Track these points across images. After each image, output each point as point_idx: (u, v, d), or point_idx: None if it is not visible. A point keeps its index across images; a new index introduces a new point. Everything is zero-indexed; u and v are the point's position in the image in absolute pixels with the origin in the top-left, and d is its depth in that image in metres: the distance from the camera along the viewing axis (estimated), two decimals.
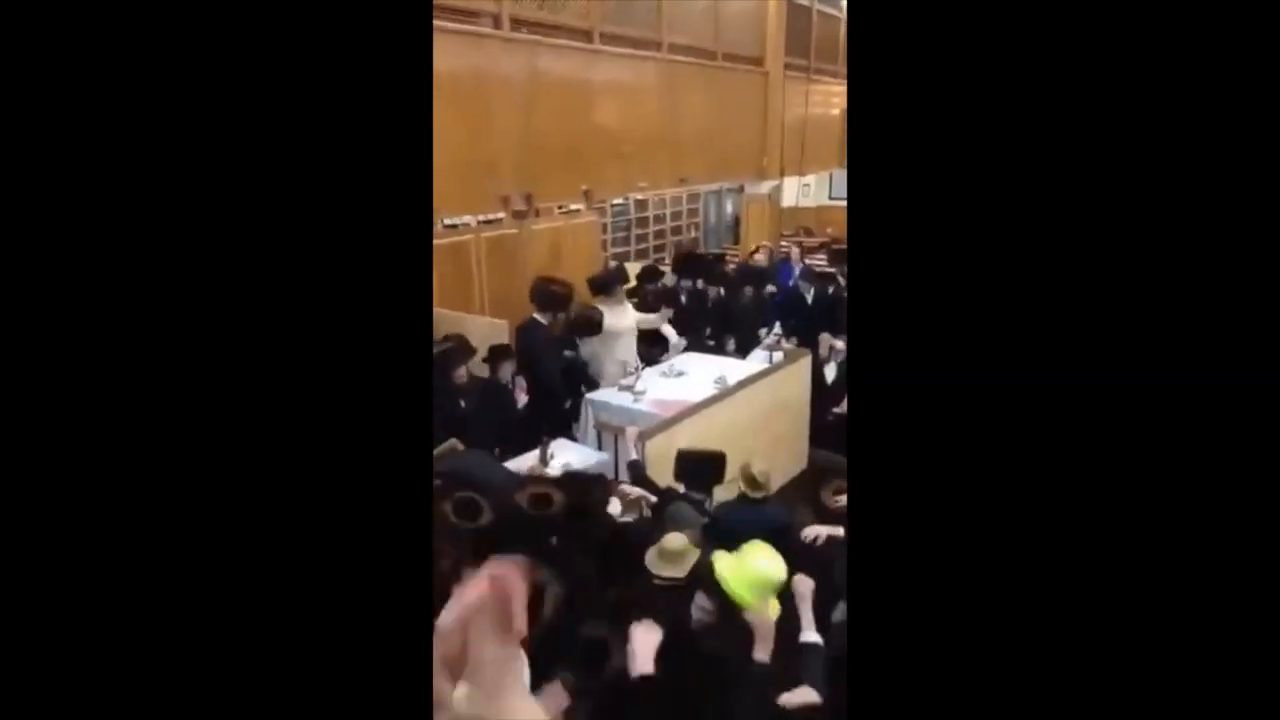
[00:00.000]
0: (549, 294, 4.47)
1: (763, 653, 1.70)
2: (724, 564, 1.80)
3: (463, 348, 3.87)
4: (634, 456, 3.25)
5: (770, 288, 6.23)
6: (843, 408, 4.69)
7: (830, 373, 4.93)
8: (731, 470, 3.02)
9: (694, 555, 2.11)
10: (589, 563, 2.21)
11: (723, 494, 3.06)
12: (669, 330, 4.91)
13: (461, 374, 3.76)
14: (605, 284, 4.78)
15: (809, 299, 5.80)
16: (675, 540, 2.15)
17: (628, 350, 4.77)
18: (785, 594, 1.85)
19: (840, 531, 2.38)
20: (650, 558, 2.16)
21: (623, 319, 4.76)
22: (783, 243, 8.21)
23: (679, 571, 2.09)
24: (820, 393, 4.86)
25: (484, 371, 3.99)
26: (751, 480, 2.97)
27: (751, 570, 1.77)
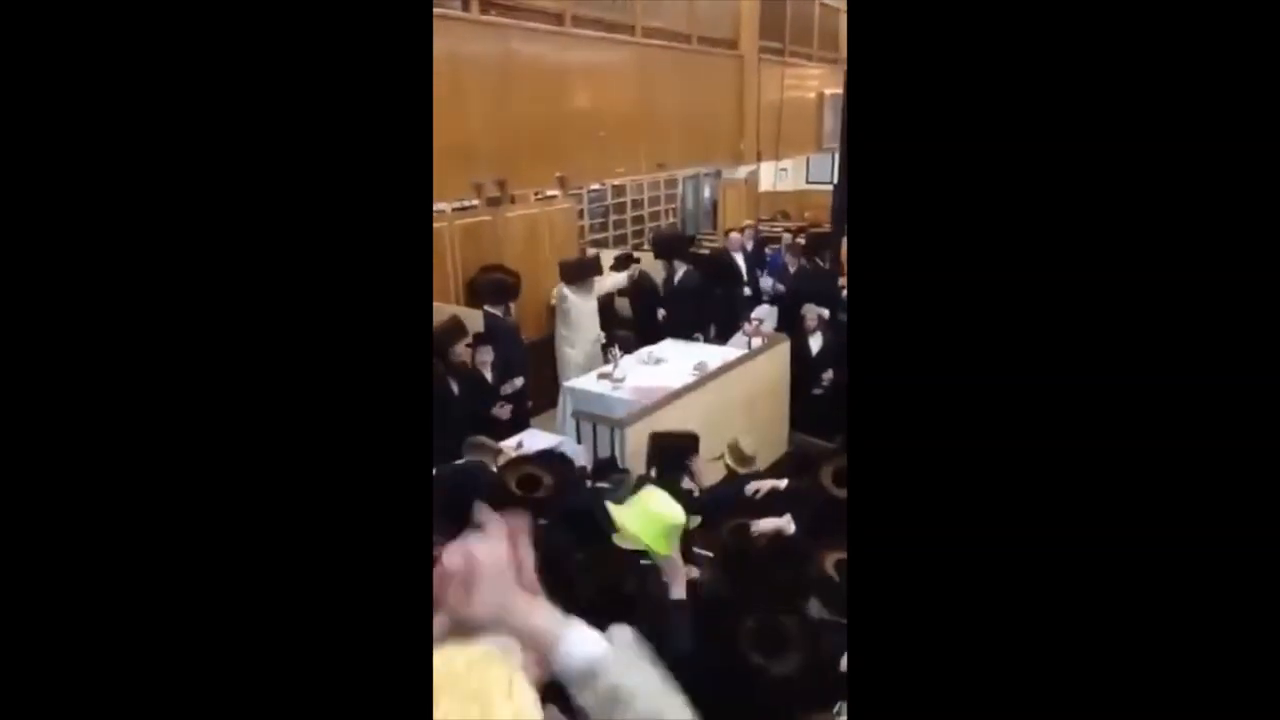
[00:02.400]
0: (499, 284, 4.47)
1: (679, 590, 1.75)
2: (623, 514, 1.78)
3: (457, 326, 3.86)
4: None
5: (747, 290, 6.21)
6: (825, 383, 4.71)
7: (815, 344, 4.92)
8: (719, 448, 3.04)
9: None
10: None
11: (710, 470, 3.06)
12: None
13: (459, 351, 3.75)
14: (580, 272, 4.84)
15: (791, 272, 5.87)
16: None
17: (591, 330, 4.86)
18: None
19: (782, 483, 2.49)
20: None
21: (588, 303, 4.86)
22: (761, 227, 8.20)
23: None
24: (803, 367, 4.86)
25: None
26: (740, 456, 3.01)
27: (652, 514, 1.76)
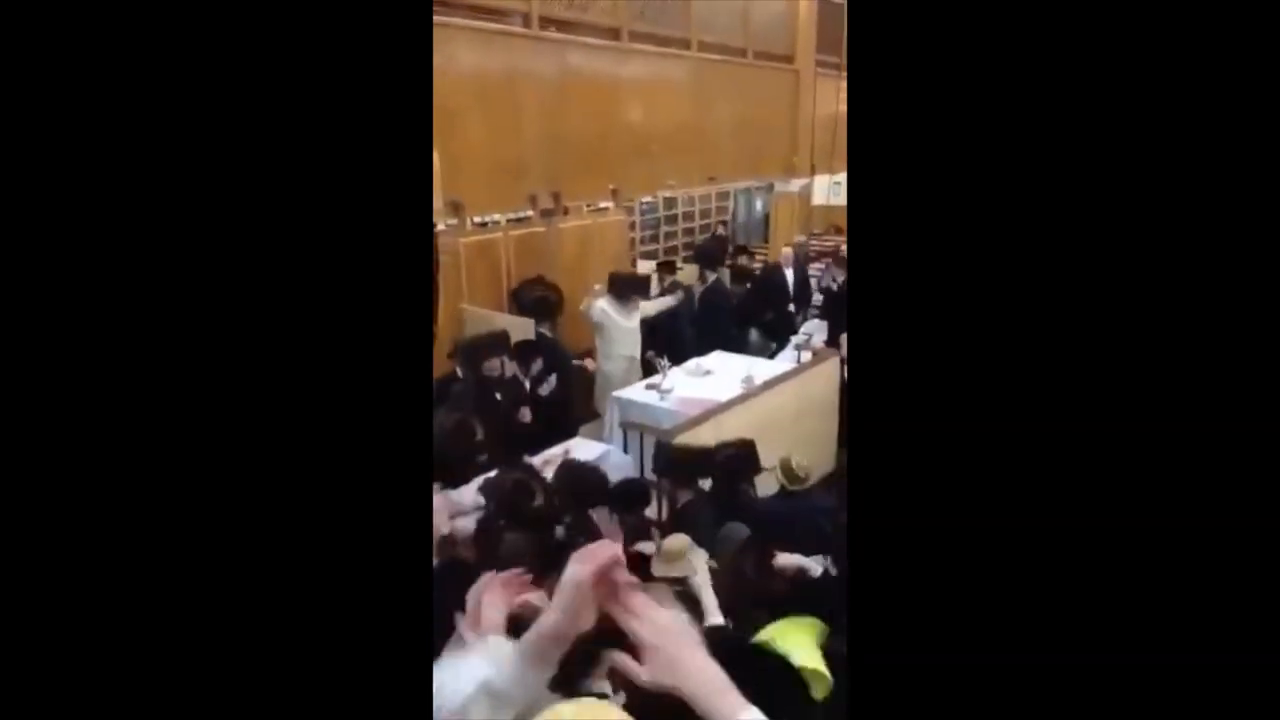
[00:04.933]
0: (543, 302, 4.51)
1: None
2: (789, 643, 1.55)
3: (503, 341, 3.92)
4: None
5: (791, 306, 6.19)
6: None
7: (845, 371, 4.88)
8: (767, 462, 3.03)
9: (696, 553, 2.12)
10: None
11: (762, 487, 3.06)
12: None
13: (494, 365, 3.80)
14: (627, 288, 4.88)
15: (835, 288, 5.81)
16: (677, 541, 2.14)
17: (627, 347, 4.86)
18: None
19: (817, 570, 2.14)
20: (654, 564, 2.11)
21: (629, 321, 4.86)
22: (813, 241, 8.14)
23: (680, 572, 2.08)
24: (843, 391, 4.82)
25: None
26: (791, 473, 2.99)
27: (806, 637, 1.64)
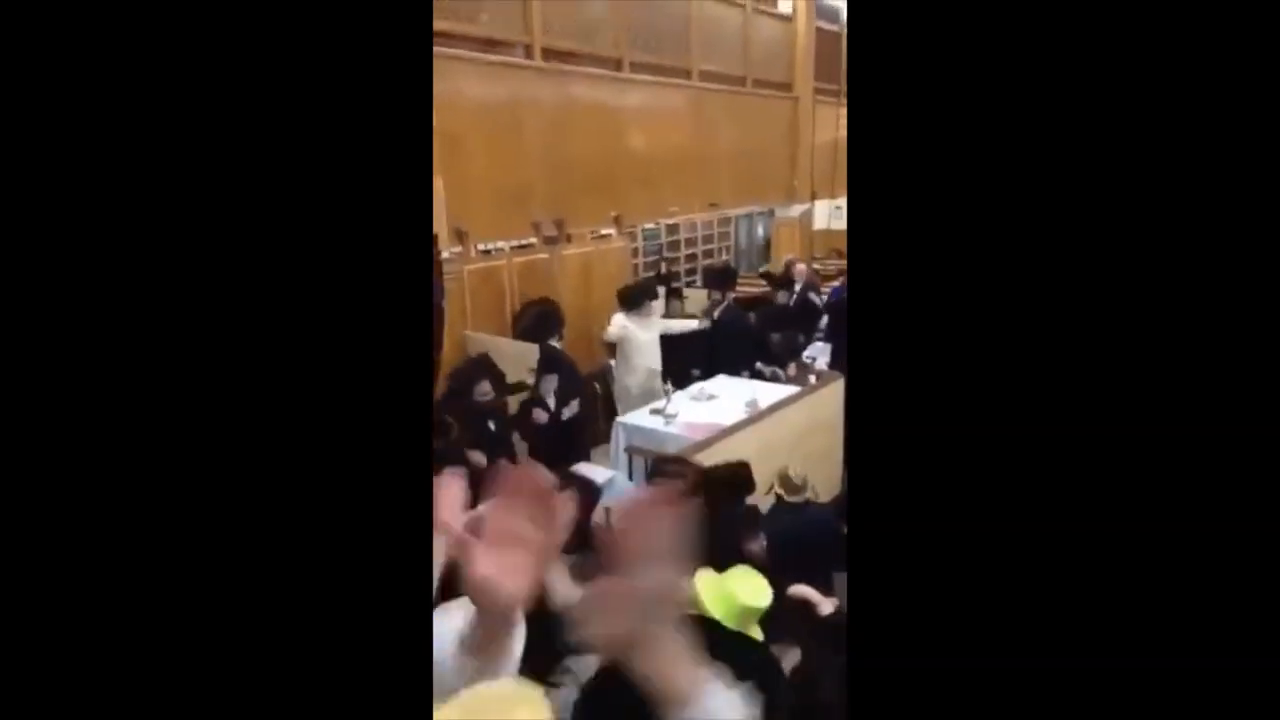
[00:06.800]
0: (542, 316, 4.50)
1: None
2: (702, 582, 1.72)
3: (485, 365, 3.91)
4: None
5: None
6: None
7: None
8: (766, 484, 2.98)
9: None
10: None
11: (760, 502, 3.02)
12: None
13: (484, 389, 3.78)
14: (635, 298, 4.86)
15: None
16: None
17: (653, 359, 4.83)
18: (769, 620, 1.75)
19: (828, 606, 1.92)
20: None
21: (648, 331, 4.83)
22: (814, 264, 8.17)
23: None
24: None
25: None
26: (788, 483, 2.92)
27: (728, 593, 1.70)
